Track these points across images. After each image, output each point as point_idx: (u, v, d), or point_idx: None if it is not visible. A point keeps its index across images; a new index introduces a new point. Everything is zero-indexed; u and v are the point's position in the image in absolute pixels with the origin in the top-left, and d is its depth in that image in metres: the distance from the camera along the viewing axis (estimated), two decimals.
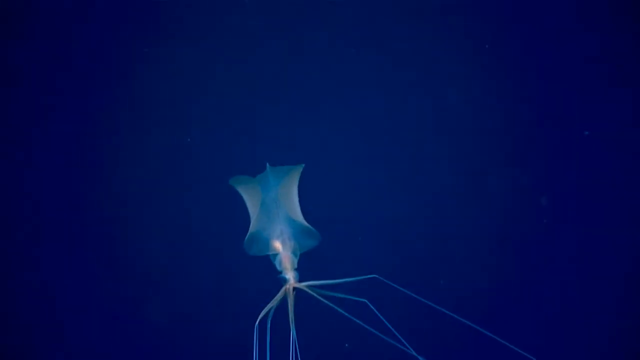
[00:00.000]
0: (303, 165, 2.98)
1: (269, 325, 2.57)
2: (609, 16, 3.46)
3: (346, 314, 2.51)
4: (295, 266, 2.73)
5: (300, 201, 2.92)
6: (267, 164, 3.05)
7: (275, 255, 2.79)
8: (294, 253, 2.77)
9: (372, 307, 2.52)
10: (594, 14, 3.46)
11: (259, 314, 2.55)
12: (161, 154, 3.60)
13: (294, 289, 2.62)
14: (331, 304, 2.55)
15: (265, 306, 2.57)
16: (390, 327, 2.52)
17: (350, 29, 3.65)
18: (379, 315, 2.50)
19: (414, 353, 2.53)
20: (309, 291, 2.61)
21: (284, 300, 2.61)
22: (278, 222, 2.84)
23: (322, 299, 2.57)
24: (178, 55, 3.62)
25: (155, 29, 3.64)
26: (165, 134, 3.61)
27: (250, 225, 2.90)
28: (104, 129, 3.59)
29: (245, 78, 3.65)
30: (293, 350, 2.49)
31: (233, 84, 3.64)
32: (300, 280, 2.65)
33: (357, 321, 2.50)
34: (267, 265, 2.78)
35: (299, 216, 2.91)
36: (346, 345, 3.38)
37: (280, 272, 2.71)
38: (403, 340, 2.51)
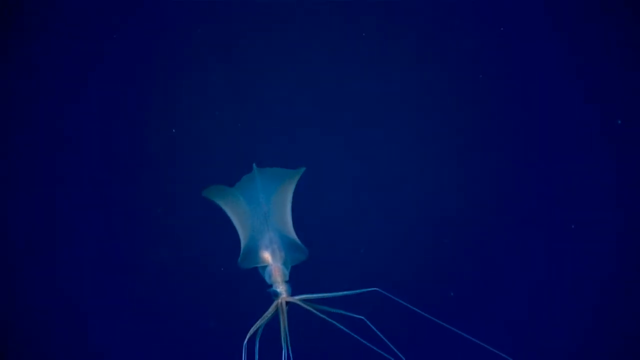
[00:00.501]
0: (304, 168, 2.72)
1: (257, 345, 2.34)
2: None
3: (346, 330, 2.28)
4: (287, 278, 2.48)
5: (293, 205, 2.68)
6: (254, 165, 2.80)
7: (264, 267, 2.54)
8: (284, 264, 2.52)
9: (370, 325, 2.28)
10: None
11: (247, 332, 2.32)
12: (150, 153, 3.41)
13: (287, 303, 2.38)
14: (329, 319, 2.31)
15: (254, 323, 2.34)
16: (392, 347, 2.27)
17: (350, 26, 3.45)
18: (379, 334, 2.26)
19: None
20: (304, 306, 2.36)
21: (275, 316, 2.38)
22: (267, 230, 2.59)
23: (319, 314, 2.33)
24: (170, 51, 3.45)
25: (150, 26, 3.47)
26: (154, 132, 3.42)
27: (241, 240, 2.64)
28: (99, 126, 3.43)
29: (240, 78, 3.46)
30: None
31: (226, 82, 3.45)
32: (292, 294, 2.41)
33: (358, 337, 2.27)
34: (257, 276, 2.55)
35: (288, 226, 2.65)
36: None
37: (271, 286, 2.46)
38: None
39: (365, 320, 2.30)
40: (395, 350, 2.27)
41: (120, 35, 3.44)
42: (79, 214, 3.42)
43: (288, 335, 2.30)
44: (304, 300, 2.36)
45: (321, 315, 2.33)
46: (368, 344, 2.27)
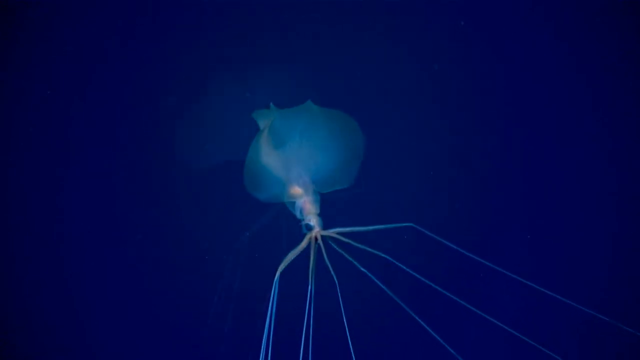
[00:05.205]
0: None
1: (276, 280, 2.25)
2: None
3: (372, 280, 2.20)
4: (318, 211, 2.41)
5: None
6: (271, 104, 2.74)
7: (293, 202, 2.46)
8: (315, 198, 2.45)
9: (421, 229, 2.20)
10: None
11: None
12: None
13: (318, 237, 2.30)
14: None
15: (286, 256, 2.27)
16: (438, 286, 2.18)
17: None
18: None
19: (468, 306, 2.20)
20: (338, 238, 2.29)
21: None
22: (297, 163, 2.51)
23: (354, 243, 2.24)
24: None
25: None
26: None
27: (268, 173, 2.55)
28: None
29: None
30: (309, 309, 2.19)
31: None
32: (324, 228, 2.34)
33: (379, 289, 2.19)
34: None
35: (326, 160, 2.56)
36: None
37: (302, 220, 2.39)
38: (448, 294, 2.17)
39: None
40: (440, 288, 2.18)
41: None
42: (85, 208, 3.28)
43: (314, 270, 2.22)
44: (339, 234, 2.29)
45: (356, 245, 2.26)
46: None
